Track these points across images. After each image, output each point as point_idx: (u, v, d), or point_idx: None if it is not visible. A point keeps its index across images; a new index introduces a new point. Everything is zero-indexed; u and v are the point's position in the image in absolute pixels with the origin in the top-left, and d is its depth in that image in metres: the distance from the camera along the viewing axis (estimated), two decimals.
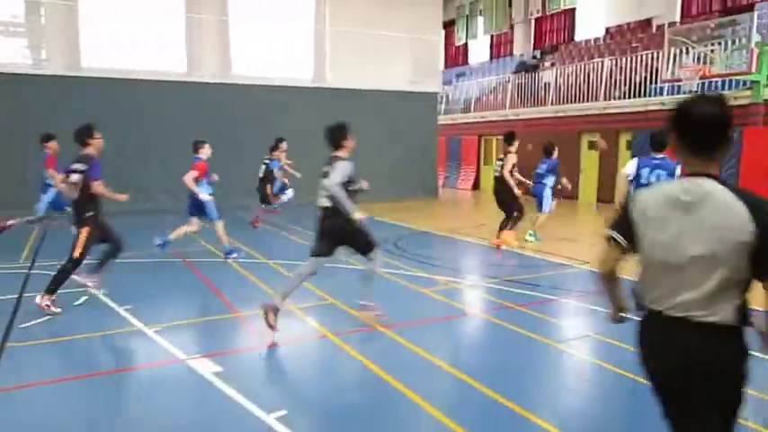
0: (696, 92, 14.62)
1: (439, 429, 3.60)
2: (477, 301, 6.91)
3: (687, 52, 14.32)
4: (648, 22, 21.02)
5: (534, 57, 24.92)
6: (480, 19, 28.54)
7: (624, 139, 16.36)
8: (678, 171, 6.27)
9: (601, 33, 23.01)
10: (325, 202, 5.28)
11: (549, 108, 19.38)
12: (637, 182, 6.23)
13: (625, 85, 17.35)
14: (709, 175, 2.08)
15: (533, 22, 26.75)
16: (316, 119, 15.54)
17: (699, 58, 14.08)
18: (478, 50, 30.78)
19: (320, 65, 17.09)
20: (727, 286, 2.01)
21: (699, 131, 2.10)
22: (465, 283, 7.53)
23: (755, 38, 12.95)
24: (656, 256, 2.14)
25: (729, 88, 13.98)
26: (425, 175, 18.41)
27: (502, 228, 9.70)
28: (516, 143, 9.60)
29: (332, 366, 4.75)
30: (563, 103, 18.99)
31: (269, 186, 11.44)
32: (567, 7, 24.42)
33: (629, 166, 6.47)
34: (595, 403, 4.17)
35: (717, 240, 1.99)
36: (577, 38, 24.65)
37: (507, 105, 21.47)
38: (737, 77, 13.38)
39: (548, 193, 10.32)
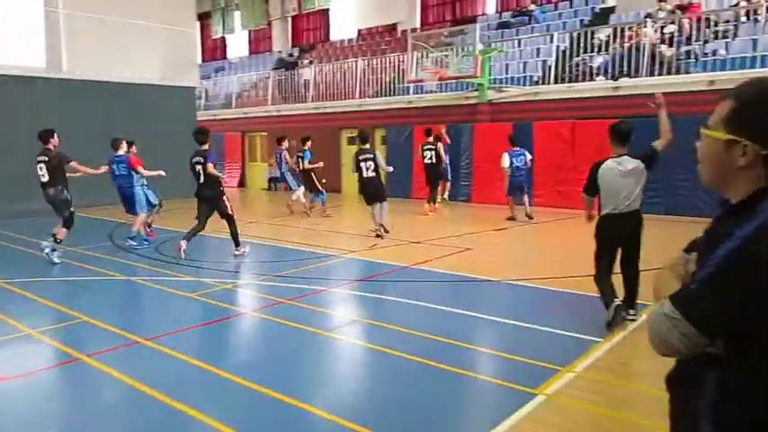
0: (435, 92, 16.45)
1: None
2: (248, 300, 6.81)
3: (427, 56, 15.95)
4: (394, 26, 22.92)
5: (291, 54, 25.34)
6: (237, 13, 28.05)
7: (379, 134, 17.61)
8: (527, 155, 11.47)
9: (353, 35, 24.39)
10: None
11: (310, 105, 19.93)
12: (512, 165, 11.09)
13: (377, 84, 18.68)
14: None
15: (290, 19, 27.20)
16: (54, 112, 13.79)
17: (437, 62, 15.78)
18: (237, 45, 30.20)
19: (55, 52, 15.03)
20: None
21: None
22: (235, 284, 7.38)
23: (479, 46, 14.97)
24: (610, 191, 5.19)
25: (461, 89, 15.98)
26: (186, 175, 17.44)
27: (434, 200, 13.19)
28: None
29: (90, 392, 4.24)
30: (323, 99, 19.70)
31: (313, 176, 12.76)
32: (321, 7, 25.34)
33: (505, 159, 11.14)
34: (368, 385, 4.43)
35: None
36: (333, 38, 25.76)
37: (269, 101, 21.51)
38: (467, 80, 15.33)
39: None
